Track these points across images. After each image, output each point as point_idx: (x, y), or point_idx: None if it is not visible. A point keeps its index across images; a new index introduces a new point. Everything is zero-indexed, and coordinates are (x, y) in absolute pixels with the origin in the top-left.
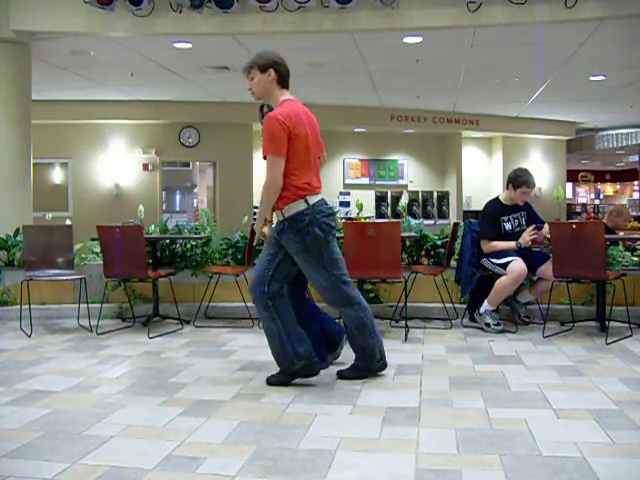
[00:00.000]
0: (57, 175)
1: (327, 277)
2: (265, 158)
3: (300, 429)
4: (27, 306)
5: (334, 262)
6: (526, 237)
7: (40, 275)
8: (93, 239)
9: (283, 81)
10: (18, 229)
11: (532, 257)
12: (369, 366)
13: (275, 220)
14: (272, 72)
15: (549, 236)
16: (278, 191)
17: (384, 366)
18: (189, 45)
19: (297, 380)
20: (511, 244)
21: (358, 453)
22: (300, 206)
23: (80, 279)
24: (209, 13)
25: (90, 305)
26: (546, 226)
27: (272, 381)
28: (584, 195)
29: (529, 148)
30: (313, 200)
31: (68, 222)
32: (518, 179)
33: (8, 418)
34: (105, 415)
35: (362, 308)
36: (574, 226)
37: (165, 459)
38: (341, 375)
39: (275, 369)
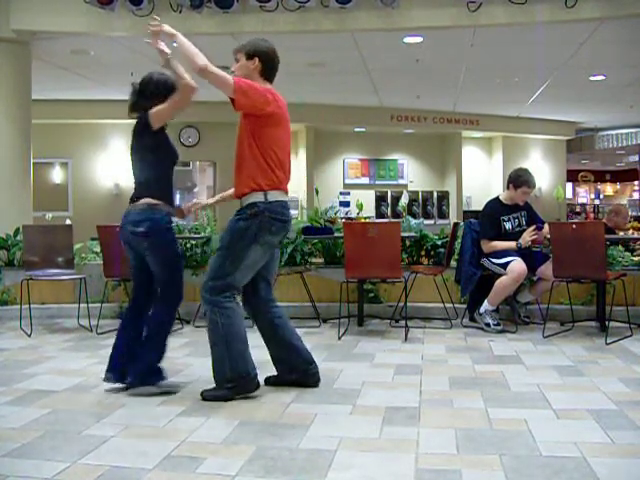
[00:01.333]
0: (57, 175)
1: (223, 264)
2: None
3: (300, 429)
4: (27, 306)
5: (242, 262)
6: (526, 237)
7: (40, 275)
8: (93, 239)
9: (267, 73)
10: (18, 229)
11: (532, 257)
12: (219, 383)
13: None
14: (257, 61)
15: (549, 236)
16: (224, 88)
17: (243, 390)
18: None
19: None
20: (511, 244)
21: (358, 453)
22: (259, 197)
23: (80, 279)
24: (209, 13)
25: (90, 305)
26: (546, 226)
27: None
28: (584, 195)
29: (529, 148)
30: (273, 197)
31: (68, 222)
32: (519, 179)
33: (8, 417)
34: (105, 415)
35: (224, 315)
36: (574, 226)
37: (165, 459)
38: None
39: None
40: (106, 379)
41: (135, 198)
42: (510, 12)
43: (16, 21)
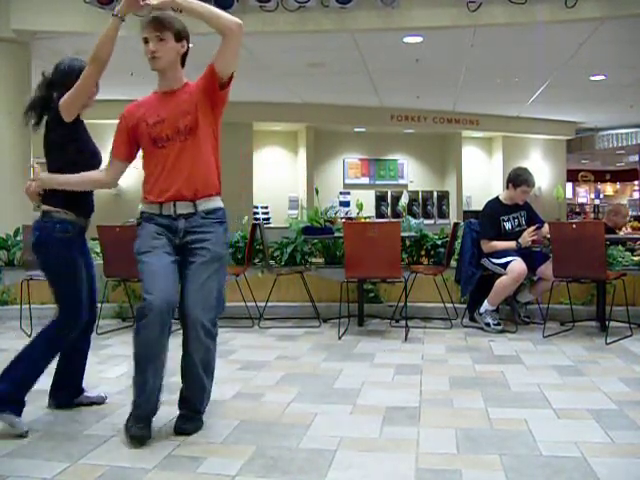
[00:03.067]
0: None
1: (223, 286)
2: None
3: (300, 429)
4: (27, 306)
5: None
6: (526, 237)
7: (40, 275)
8: (93, 239)
9: (184, 61)
10: (18, 229)
11: (532, 257)
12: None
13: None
14: (185, 44)
15: (549, 236)
16: (231, 31)
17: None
18: (190, 44)
19: (297, 379)
20: (511, 244)
21: (358, 453)
22: (220, 202)
23: None
24: None
25: None
26: (546, 226)
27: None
28: (584, 195)
29: (529, 148)
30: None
31: None
32: (518, 178)
33: None
34: (105, 415)
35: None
36: (574, 226)
37: (165, 459)
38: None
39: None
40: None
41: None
42: (510, 12)
43: (16, 21)
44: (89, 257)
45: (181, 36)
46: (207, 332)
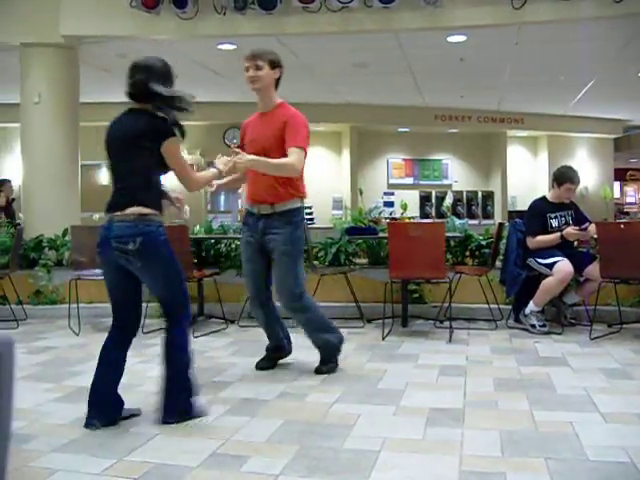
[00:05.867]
0: (104, 176)
1: (301, 270)
2: (292, 147)
3: (344, 429)
4: (75, 305)
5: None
6: (571, 230)
7: (88, 274)
8: None
9: (277, 85)
10: (66, 229)
11: (579, 258)
12: (332, 358)
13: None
14: (278, 72)
15: (596, 236)
16: (290, 175)
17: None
18: (233, 46)
19: (341, 380)
20: (556, 235)
21: (402, 454)
22: (297, 203)
23: None
24: (252, 15)
25: None
26: (593, 226)
27: None
28: (632, 194)
29: (575, 147)
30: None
31: None
32: (562, 176)
33: (57, 414)
34: (150, 413)
35: (315, 308)
36: (622, 226)
37: (210, 457)
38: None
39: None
40: (89, 425)
41: (117, 206)
42: (555, 8)
43: (65, 27)
44: None
45: (275, 65)
46: (294, 309)
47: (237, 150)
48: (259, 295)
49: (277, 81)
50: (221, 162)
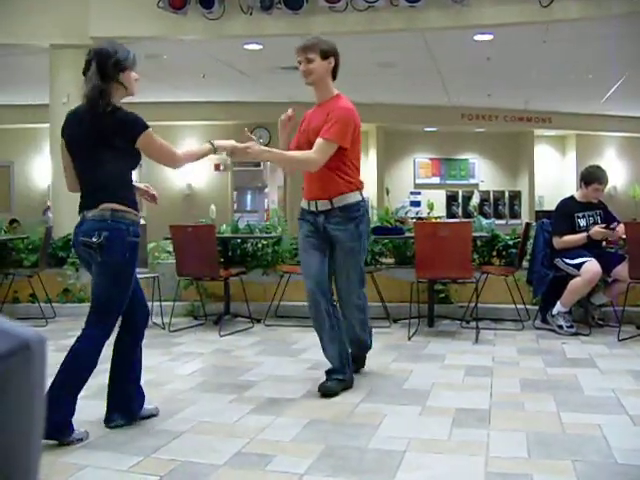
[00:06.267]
0: (133, 175)
1: (363, 268)
2: (321, 138)
3: (369, 428)
4: None
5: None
6: (598, 229)
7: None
8: (166, 238)
9: (335, 73)
10: None
11: (607, 258)
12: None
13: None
14: (332, 61)
15: (624, 236)
16: (309, 169)
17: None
18: (259, 46)
19: (367, 379)
20: (582, 235)
21: (427, 454)
22: (357, 197)
23: (153, 277)
24: (279, 14)
25: (163, 303)
26: (621, 226)
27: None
28: None
29: (604, 146)
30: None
31: (142, 221)
32: (590, 176)
33: (85, 411)
34: (177, 411)
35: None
36: None
37: (235, 456)
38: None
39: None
40: (110, 423)
41: (90, 205)
42: (584, 6)
43: (94, 29)
44: None
45: (327, 54)
46: (358, 307)
47: (250, 136)
48: (319, 287)
49: (334, 70)
50: (221, 142)
